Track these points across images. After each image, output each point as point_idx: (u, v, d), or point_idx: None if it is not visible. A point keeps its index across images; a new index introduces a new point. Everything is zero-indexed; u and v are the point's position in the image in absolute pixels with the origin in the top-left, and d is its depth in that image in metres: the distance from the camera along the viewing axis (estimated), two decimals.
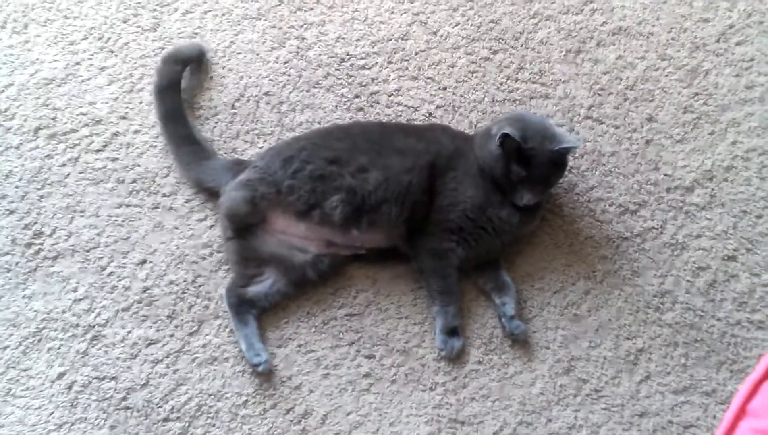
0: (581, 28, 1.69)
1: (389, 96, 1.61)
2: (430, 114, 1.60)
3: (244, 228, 1.41)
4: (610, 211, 1.53)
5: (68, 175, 1.51)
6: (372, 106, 1.60)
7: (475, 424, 1.36)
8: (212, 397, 1.36)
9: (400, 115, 1.59)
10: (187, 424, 1.34)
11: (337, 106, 1.60)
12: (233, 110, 1.59)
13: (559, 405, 1.38)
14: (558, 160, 1.39)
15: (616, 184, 1.55)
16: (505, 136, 1.35)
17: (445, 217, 1.41)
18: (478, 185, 1.41)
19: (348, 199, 1.38)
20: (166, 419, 1.34)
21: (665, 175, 1.56)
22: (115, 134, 1.56)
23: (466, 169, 1.42)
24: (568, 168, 1.46)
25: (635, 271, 1.48)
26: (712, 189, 1.55)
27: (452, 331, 1.39)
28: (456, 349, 1.39)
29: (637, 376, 1.41)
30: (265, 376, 1.37)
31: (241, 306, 1.39)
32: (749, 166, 1.58)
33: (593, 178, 1.55)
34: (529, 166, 1.36)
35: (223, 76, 1.62)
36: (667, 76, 1.65)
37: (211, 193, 1.49)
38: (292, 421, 1.35)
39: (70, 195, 1.50)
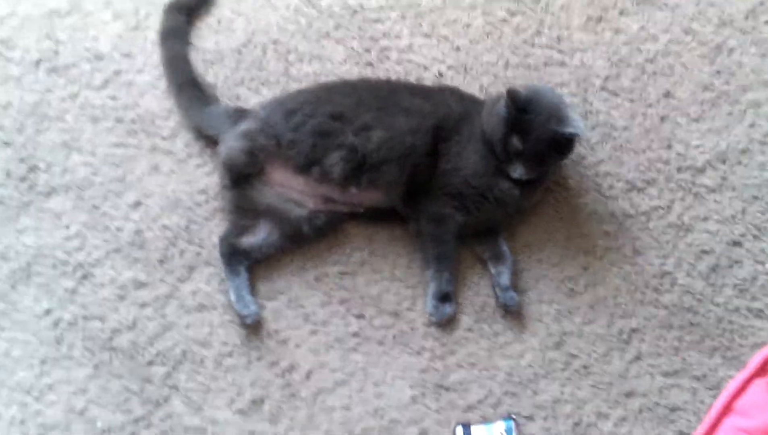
0: None
1: (400, 52, 1.60)
2: (441, 74, 1.58)
3: (241, 178, 1.41)
4: (617, 187, 1.52)
5: (67, 110, 1.52)
6: (382, 61, 1.59)
7: (460, 391, 1.38)
8: (198, 344, 1.38)
9: (410, 73, 1.58)
10: (171, 369, 1.36)
11: (345, 59, 1.59)
12: (239, 56, 1.58)
13: (547, 378, 1.40)
14: (559, 143, 1.36)
15: (626, 160, 1.54)
16: (511, 92, 1.33)
17: (446, 181, 1.41)
18: (481, 153, 1.40)
19: (349, 157, 1.38)
20: (150, 363, 1.37)
21: (677, 153, 1.55)
22: (117, 72, 1.55)
23: (471, 135, 1.41)
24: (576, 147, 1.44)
25: (637, 250, 1.48)
26: (725, 172, 1.54)
27: (445, 297, 1.40)
28: (446, 315, 1.40)
29: (628, 356, 1.41)
30: (253, 328, 1.39)
31: (234, 256, 1.40)
32: (765, 151, 1.56)
33: (603, 152, 1.54)
34: (527, 140, 1.34)
35: (231, 20, 1.60)
36: (689, 51, 1.62)
37: (210, 140, 1.49)
38: (276, 374, 1.37)
39: (68, 131, 1.50)
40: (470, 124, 1.42)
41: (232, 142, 1.42)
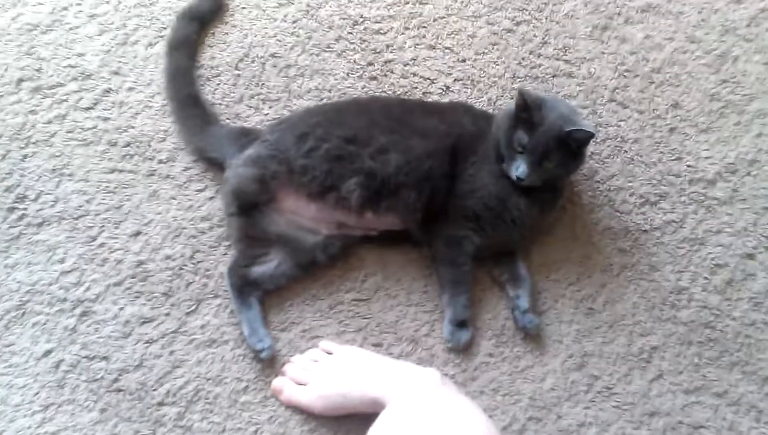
0: (609, 3, 1.67)
1: (405, 65, 1.58)
2: (448, 87, 1.57)
3: (250, 206, 1.38)
4: (630, 202, 1.53)
5: (55, 133, 1.45)
6: (386, 75, 1.56)
7: None
8: (210, 381, 1.35)
9: (416, 87, 1.56)
10: (183, 410, 1.33)
11: (348, 73, 1.56)
12: (237, 71, 1.53)
13: (570, 401, 1.41)
14: (565, 142, 1.32)
15: (637, 173, 1.55)
16: (522, 90, 1.32)
17: (462, 203, 1.39)
18: (496, 172, 1.39)
19: (367, 183, 1.36)
20: (161, 403, 1.33)
21: (688, 165, 1.57)
22: (107, 91, 1.49)
23: (485, 154, 1.40)
24: (586, 157, 1.43)
25: (652, 266, 1.50)
26: (735, 183, 1.57)
27: (461, 323, 1.40)
28: (463, 342, 1.39)
29: (650, 375, 1.43)
30: (267, 361, 1.36)
31: (244, 287, 1.37)
32: None
33: (614, 166, 1.55)
34: (533, 135, 1.32)
35: (226, 33, 1.56)
36: (695, 60, 1.64)
37: (211, 162, 1.45)
38: (294, 409, 1.34)
39: (57, 156, 1.44)
40: (484, 143, 1.41)
41: (240, 169, 1.38)
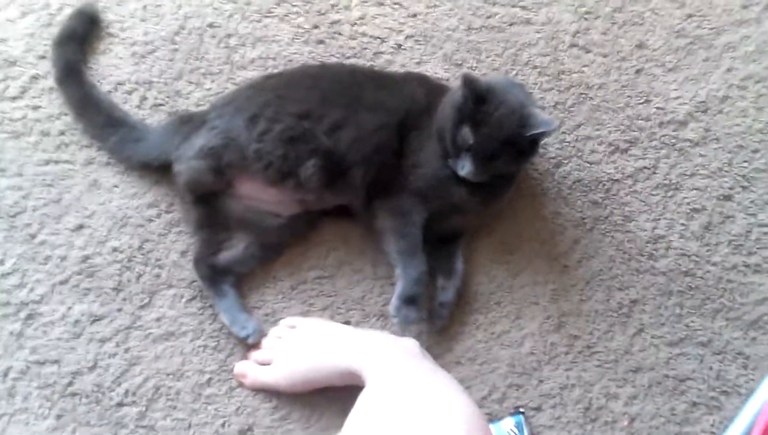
0: None
1: (352, 25, 1.51)
2: (400, 45, 1.51)
3: (206, 195, 1.33)
4: (600, 151, 1.49)
5: None
6: (333, 38, 1.50)
7: None
8: (171, 376, 1.30)
9: (366, 48, 1.50)
10: (144, 409, 1.28)
11: (293, 38, 1.49)
12: (173, 45, 1.46)
13: (550, 364, 1.38)
14: (516, 145, 1.24)
15: (605, 120, 1.50)
16: (467, 77, 1.22)
17: (407, 178, 1.31)
18: (439, 153, 1.30)
19: (324, 164, 1.28)
20: (120, 404, 1.28)
21: (657, 108, 1.52)
22: (35, 77, 1.42)
23: (431, 133, 1.31)
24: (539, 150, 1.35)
25: (627, 216, 1.46)
26: (707, 122, 1.53)
27: (410, 299, 1.29)
28: (410, 321, 1.29)
29: (631, 330, 1.41)
30: (230, 350, 1.32)
31: (215, 276, 1.32)
32: (745, 96, 1.55)
33: (580, 115, 1.50)
34: (479, 134, 1.23)
35: (159, 5, 1.48)
36: None
37: (164, 166, 1.36)
38: (262, 398, 1.31)
39: None
40: (432, 119, 1.32)
41: (193, 163, 1.30)
